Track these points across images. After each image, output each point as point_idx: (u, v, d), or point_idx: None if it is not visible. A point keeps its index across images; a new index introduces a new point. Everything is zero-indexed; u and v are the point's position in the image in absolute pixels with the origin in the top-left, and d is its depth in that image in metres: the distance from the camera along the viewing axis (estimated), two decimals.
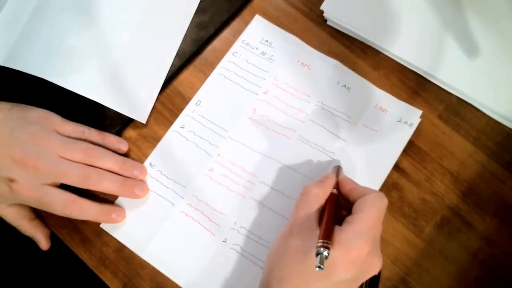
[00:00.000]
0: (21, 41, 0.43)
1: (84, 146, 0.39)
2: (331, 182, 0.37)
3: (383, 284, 0.32)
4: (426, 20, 0.45)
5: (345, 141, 0.43)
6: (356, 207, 0.34)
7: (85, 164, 0.39)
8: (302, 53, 0.45)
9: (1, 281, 0.47)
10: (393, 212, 0.41)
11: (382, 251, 0.34)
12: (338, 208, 0.35)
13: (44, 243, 0.40)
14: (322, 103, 0.44)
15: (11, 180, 0.37)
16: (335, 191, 0.36)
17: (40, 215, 0.41)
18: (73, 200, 0.38)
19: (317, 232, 0.33)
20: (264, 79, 0.45)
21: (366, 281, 0.34)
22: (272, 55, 0.45)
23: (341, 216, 0.35)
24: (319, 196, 0.36)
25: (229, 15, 0.46)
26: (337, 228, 0.33)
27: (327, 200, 0.36)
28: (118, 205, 0.41)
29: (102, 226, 0.41)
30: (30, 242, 0.40)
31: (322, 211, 0.35)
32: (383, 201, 0.34)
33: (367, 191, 0.35)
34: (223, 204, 0.41)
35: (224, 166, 0.42)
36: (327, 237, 0.31)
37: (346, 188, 0.37)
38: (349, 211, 0.35)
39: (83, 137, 0.40)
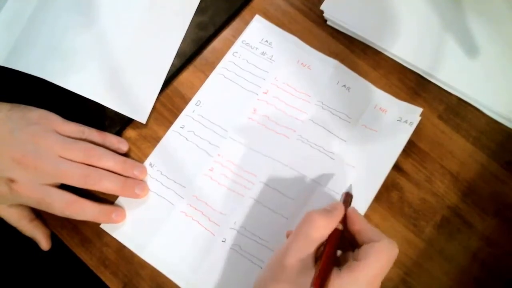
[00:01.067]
0: (21, 41, 0.43)
1: (84, 146, 0.39)
2: (339, 215, 0.33)
3: (383, 285, 0.32)
4: (426, 20, 0.45)
5: (345, 141, 0.43)
6: (362, 252, 0.31)
7: (85, 164, 0.39)
8: (302, 53, 0.45)
9: (1, 281, 0.47)
10: (393, 212, 0.41)
11: None
12: (340, 243, 0.33)
13: (44, 244, 0.40)
14: (322, 103, 0.44)
15: (11, 181, 0.37)
16: (340, 226, 0.33)
17: (40, 215, 0.41)
18: (73, 201, 0.38)
19: (312, 271, 0.30)
20: (264, 79, 0.45)
21: None
22: (272, 55, 0.45)
23: (344, 249, 0.33)
24: (323, 229, 0.32)
25: (229, 15, 0.46)
26: (335, 271, 0.30)
27: (330, 236, 0.33)
28: (118, 205, 0.41)
29: (102, 226, 0.41)
30: (30, 243, 0.40)
31: (322, 245, 0.33)
32: (393, 252, 0.31)
33: (377, 236, 0.32)
34: (223, 204, 0.41)
35: (224, 166, 0.42)
36: (321, 284, 0.29)
37: (354, 228, 0.33)
38: (352, 245, 0.32)
39: (83, 137, 0.40)
